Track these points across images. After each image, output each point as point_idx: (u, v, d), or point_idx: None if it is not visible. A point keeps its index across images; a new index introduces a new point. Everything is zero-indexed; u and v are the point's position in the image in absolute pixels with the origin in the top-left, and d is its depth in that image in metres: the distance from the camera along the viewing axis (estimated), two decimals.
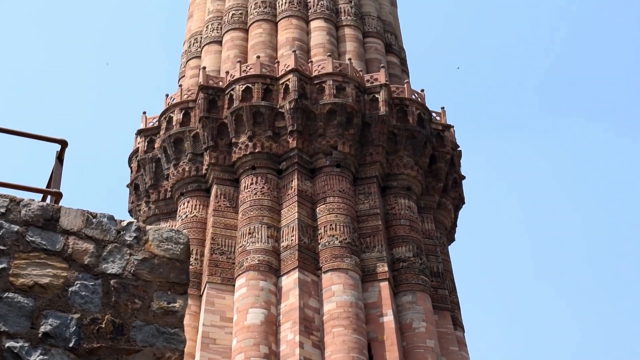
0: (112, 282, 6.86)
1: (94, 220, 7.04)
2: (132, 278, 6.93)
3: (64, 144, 7.96)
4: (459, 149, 35.25)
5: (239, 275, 29.13)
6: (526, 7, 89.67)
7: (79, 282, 6.76)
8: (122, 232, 7.09)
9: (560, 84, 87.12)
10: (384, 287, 29.39)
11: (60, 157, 7.99)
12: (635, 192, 79.50)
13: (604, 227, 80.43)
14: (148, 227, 7.24)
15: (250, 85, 32.64)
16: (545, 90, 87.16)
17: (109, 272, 6.88)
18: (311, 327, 28.06)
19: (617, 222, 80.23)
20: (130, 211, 34.78)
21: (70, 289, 6.71)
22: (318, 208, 30.65)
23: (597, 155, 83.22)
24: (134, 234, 7.11)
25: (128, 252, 7.01)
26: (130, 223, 7.18)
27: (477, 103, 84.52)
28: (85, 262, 6.85)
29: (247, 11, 36.65)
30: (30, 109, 78.39)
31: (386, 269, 29.64)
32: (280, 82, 32.71)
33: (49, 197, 7.69)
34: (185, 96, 33.92)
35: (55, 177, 7.86)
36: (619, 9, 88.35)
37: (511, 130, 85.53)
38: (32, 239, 6.79)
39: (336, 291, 28.65)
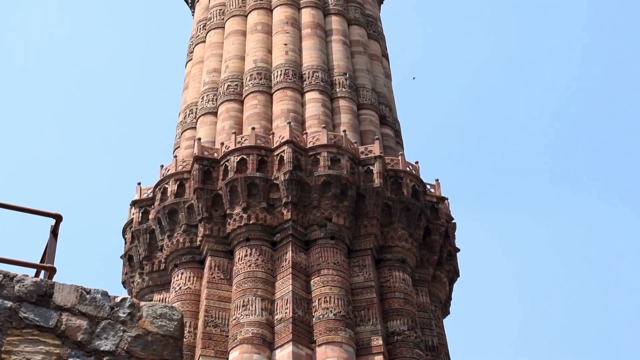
0: (105, 359, 6.78)
1: (88, 296, 6.98)
2: (125, 355, 6.84)
3: (58, 218, 7.93)
4: (453, 221, 35.23)
5: (233, 348, 28.84)
6: (521, 82, 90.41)
7: (71, 359, 6.68)
8: (115, 309, 7.02)
9: (557, 154, 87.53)
10: None
11: (54, 232, 7.96)
12: (634, 265, 79.29)
13: (600, 299, 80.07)
14: (142, 303, 7.16)
15: (245, 157, 32.70)
16: (542, 160, 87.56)
17: (102, 349, 6.80)
18: None
19: (615, 294, 79.96)
20: (123, 282, 34.58)
21: None
22: (312, 280, 30.49)
23: (595, 225, 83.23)
24: (128, 310, 7.03)
25: (122, 328, 6.93)
26: (124, 299, 7.11)
27: (471, 174, 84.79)
28: (79, 339, 6.77)
29: (242, 83, 36.88)
30: (24, 181, 78.45)
31: (381, 342, 29.39)
32: (275, 153, 32.79)
33: (42, 272, 7.63)
34: (180, 167, 33.96)
35: (49, 252, 7.81)
36: (616, 82, 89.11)
37: (507, 202, 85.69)
38: (25, 315, 6.72)
39: None
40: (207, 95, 37.26)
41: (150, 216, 33.83)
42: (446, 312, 34.63)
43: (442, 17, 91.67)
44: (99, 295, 7.04)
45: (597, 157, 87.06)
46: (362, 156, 33.44)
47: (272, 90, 36.26)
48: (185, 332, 29.59)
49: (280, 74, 36.52)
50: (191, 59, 40.66)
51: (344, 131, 34.10)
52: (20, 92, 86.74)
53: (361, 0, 41.61)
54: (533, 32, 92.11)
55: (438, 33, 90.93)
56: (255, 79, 36.56)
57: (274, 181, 32.20)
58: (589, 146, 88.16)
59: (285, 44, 37.66)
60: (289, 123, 33.68)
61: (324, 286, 30.12)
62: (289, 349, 28.47)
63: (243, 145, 33.00)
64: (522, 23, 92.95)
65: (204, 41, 40.16)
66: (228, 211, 32.01)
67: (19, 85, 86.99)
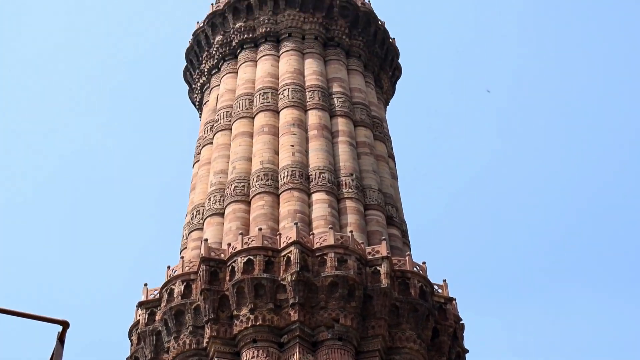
0: None
1: None
2: None
3: (65, 325, 7.91)
4: (461, 322, 35.01)
5: None
6: (527, 177, 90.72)
7: None
8: None
9: (565, 248, 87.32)
10: None
11: (61, 338, 7.93)
12: None
13: None
14: None
15: (252, 258, 32.66)
16: (550, 255, 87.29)
17: None
18: None
19: None
20: None
21: None
22: None
23: (605, 320, 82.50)
24: None
25: None
26: None
27: (479, 274, 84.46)
28: None
29: (249, 183, 37.06)
30: (29, 284, 78.37)
31: None
32: (282, 254, 32.75)
33: None
34: (187, 268, 33.92)
35: (55, 359, 7.78)
36: (620, 176, 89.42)
37: (515, 299, 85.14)
38: None
39: None
40: (214, 196, 37.43)
41: (157, 317, 33.68)
42: None
43: (447, 115, 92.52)
44: None
45: (607, 251, 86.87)
46: (369, 257, 33.38)
47: (279, 191, 36.40)
48: None
49: (287, 175, 36.71)
50: (198, 160, 40.96)
51: (351, 232, 34.12)
52: (26, 194, 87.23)
53: (367, 102, 42.04)
54: (538, 128, 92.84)
55: (444, 132, 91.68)
56: (262, 179, 36.75)
57: (281, 282, 32.10)
58: (597, 241, 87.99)
59: (292, 145, 37.95)
60: (296, 224, 33.72)
61: None
62: None
63: (250, 246, 33.00)
64: (525, 119, 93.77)
65: (211, 142, 40.53)
66: (235, 312, 31.85)
67: (25, 187, 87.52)
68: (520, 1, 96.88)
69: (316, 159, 37.60)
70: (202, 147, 41.06)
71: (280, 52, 42.93)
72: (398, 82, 47.41)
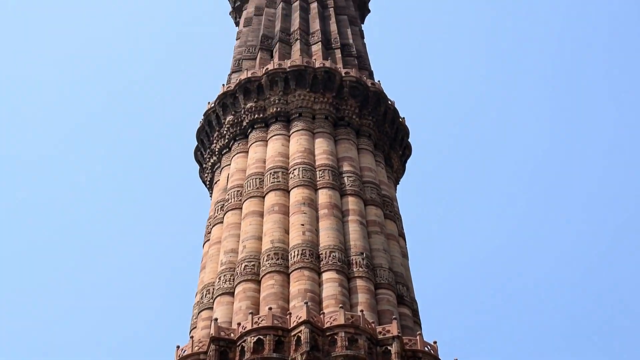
0: None
1: None
2: None
3: None
4: None
5: None
6: (538, 246, 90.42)
7: None
8: None
9: (579, 327, 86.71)
10: None
11: None
12: None
13: None
14: None
15: (262, 337, 32.48)
16: (564, 333, 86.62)
17: None
18: None
19: None
20: None
21: None
22: None
23: None
24: None
25: None
26: None
27: (491, 352, 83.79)
28: None
29: (259, 263, 36.97)
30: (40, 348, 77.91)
31: None
32: (292, 333, 32.57)
33: None
34: (197, 348, 33.74)
35: None
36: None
37: None
38: None
39: None
40: (224, 275, 37.32)
41: None
42: None
43: (458, 193, 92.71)
44: None
45: (621, 329, 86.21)
46: (380, 336, 33.16)
47: (289, 270, 36.29)
48: None
49: (297, 254, 36.62)
50: (209, 239, 40.91)
51: (362, 311, 33.94)
52: (34, 265, 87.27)
53: (377, 181, 42.03)
54: (546, 209, 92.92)
55: (455, 210, 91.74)
56: (272, 259, 36.66)
57: None
58: (611, 317, 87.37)
59: (302, 224, 37.90)
60: (306, 303, 33.56)
61: None
62: None
63: (260, 325, 32.82)
64: (533, 199, 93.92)
65: (222, 222, 40.51)
66: None
67: (33, 261, 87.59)
68: (526, 79, 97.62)
69: (326, 238, 37.52)
70: (213, 226, 41.06)
71: (291, 132, 43.08)
72: (408, 160, 47.46)
